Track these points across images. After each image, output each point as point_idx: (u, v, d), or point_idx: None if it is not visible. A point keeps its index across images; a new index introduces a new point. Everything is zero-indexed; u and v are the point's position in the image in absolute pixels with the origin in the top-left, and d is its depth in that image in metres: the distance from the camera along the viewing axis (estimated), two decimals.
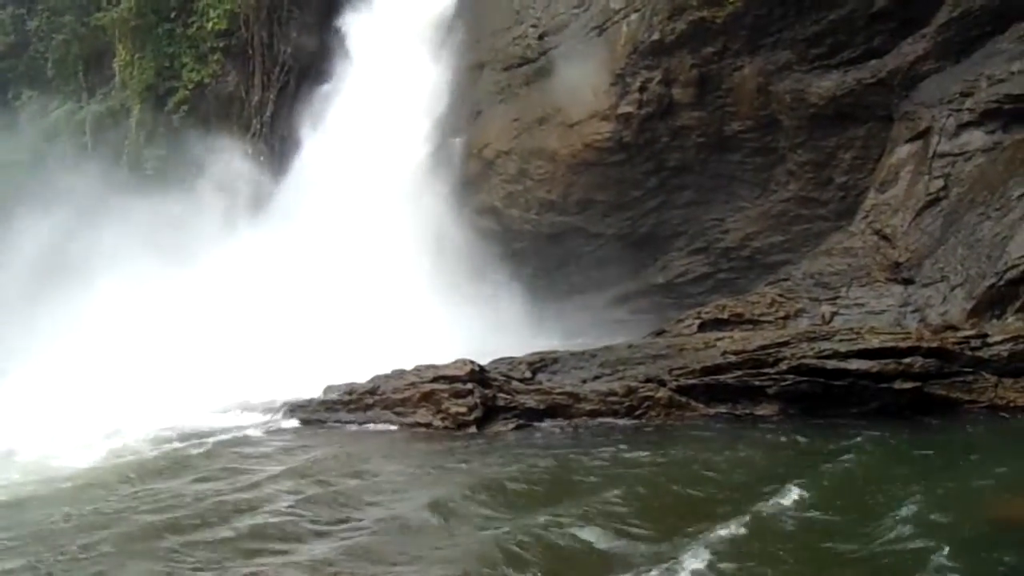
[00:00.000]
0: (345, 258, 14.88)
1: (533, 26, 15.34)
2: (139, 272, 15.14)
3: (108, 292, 15.11)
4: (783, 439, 8.93)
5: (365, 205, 15.31)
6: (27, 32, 22.69)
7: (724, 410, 9.93)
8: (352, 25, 17.17)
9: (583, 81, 14.32)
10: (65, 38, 21.98)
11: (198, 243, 15.85)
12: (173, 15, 20.10)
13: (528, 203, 15.18)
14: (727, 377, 10.02)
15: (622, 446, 8.92)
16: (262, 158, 18.26)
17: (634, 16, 14.03)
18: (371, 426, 10.52)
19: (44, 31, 22.46)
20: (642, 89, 13.91)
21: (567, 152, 14.55)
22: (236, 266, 15.08)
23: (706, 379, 10.09)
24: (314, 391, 11.36)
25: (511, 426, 10.04)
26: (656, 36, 13.69)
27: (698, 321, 12.02)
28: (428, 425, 10.21)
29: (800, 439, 8.86)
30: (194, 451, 9.73)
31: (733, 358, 10.13)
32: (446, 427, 10.07)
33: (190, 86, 19.57)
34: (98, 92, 21.54)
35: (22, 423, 11.22)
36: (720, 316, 12.05)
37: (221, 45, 19.37)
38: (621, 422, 9.97)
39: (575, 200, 14.80)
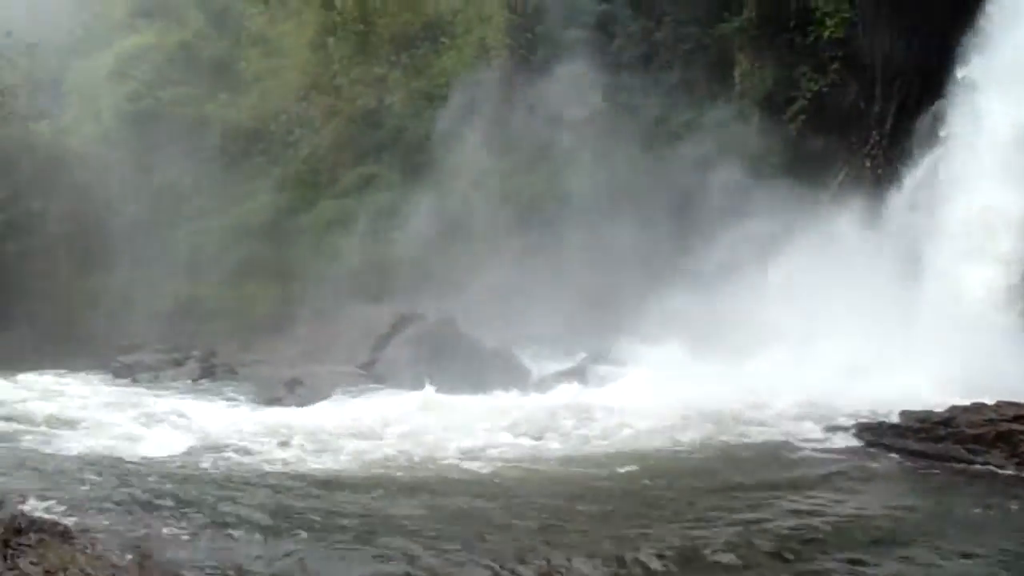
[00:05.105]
0: (950, 279, 18.95)
1: None
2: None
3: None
4: None
5: (978, 224, 19.15)
6: (655, 43, 30.42)
7: None
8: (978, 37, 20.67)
9: None
10: (690, 48, 29.21)
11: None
12: (792, 25, 25.87)
13: None
14: None
15: None
16: (879, 171, 23.26)
17: None
18: (937, 462, 12.02)
19: (670, 42, 29.98)
20: None
21: None
22: (835, 268, 19.68)
23: None
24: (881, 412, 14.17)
25: None
26: None
27: None
28: (1000, 467, 11.48)
29: None
30: (746, 453, 13.03)
31: None
32: (1017, 473, 11.26)
33: (808, 96, 25.04)
34: (719, 100, 28.36)
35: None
36: None
37: (839, 54, 24.22)
38: None
39: None
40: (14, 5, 44.33)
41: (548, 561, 8.02)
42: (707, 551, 8.43)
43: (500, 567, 7.89)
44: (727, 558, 8.31)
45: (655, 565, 8.09)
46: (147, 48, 41.69)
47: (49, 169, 39.92)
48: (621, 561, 8.12)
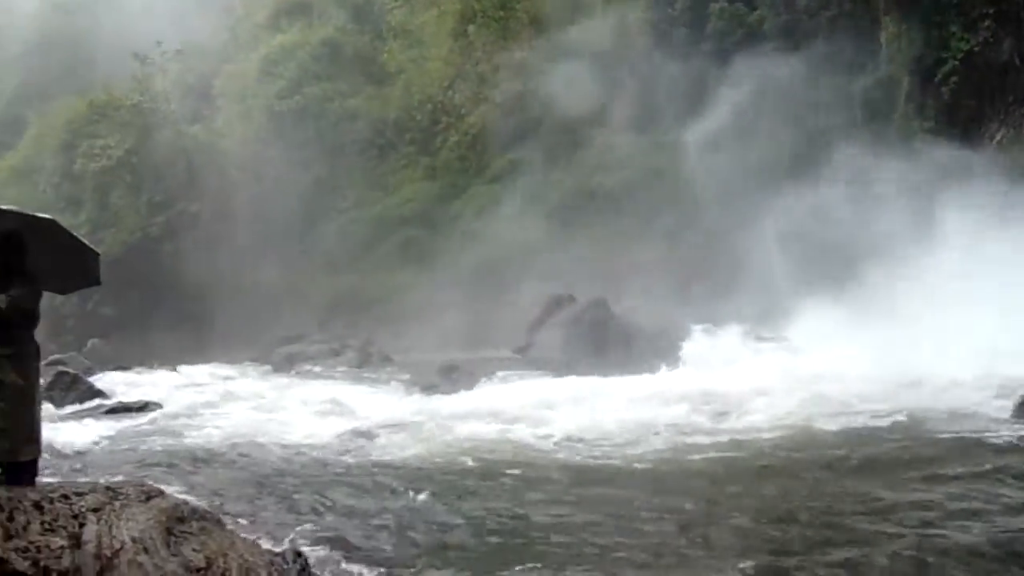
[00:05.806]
0: None
1: None
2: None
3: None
4: None
5: None
6: (797, 12, 30.86)
7: None
8: None
9: None
10: (833, 15, 29.56)
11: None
12: None
13: None
14: None
15: None
16: None
17: None
18: None
19: (813, 9, 30.36)
20: None
21: None
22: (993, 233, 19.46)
23: None
24: None
25: None
26: None
27: None
28: None
29: None
30: (926, 435, 11.75)
31: None
32: None
33: (959, 56, 24.96)
34: (868, 65, 28.62)
35: None
36: None
37: (991, 11, 24.09)
38: None
39: None
40: (162, 14, 47.04)
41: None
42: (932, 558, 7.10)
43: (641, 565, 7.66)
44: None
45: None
46: (292, 47, 43.85)
47: (203, 170, 42.41)
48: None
